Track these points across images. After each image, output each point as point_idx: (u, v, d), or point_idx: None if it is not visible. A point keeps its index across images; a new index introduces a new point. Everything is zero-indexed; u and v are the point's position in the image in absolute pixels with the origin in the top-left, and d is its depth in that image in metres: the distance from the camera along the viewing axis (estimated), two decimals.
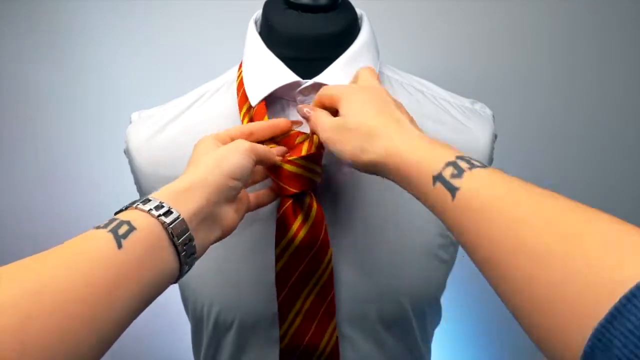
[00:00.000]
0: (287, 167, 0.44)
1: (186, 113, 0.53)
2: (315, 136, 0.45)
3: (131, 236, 0.31)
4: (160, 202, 0.34)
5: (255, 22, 0.52)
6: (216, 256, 0.49)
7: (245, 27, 0.51)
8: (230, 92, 0.52)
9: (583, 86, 0.91)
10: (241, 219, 0.42)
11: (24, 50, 1.03)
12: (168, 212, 0.33)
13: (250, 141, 0.42)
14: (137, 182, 0.53)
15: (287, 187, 0.44)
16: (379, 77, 0.51)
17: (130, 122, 0.55)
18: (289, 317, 0.47)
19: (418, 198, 0.35)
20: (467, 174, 0.31)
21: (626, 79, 0.90)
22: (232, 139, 0.43)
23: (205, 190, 0.37)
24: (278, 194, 0.46)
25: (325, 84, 0.46)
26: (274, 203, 0.47)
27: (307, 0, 0.47)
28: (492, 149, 0.52)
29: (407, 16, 0.91)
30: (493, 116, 0.55)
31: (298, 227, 0.45)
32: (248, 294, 0.48)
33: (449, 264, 0.52)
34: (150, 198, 0.34)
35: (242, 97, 0.48)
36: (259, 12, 0.52)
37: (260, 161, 0.42)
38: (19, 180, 1.14)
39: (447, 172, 0.31)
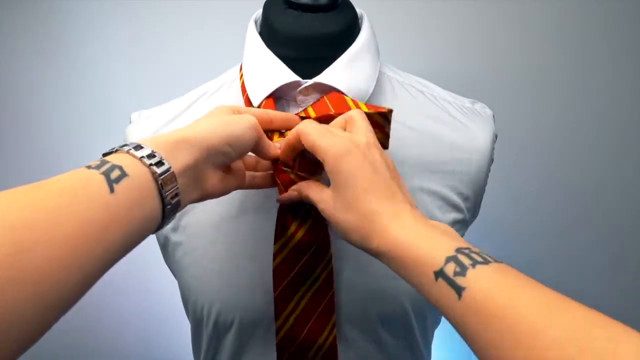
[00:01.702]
0: (289, 175, 0.44)
1: (186, 113, 0.53)
2: None
3: (123, 182, 0.30)
4: (152, 150, 0.33)
5: (256, 22, 0.52)
6: (217, 257, 0.49)
7: (245, 27, 0.51)
8: (230, 92, 0.52)
9: (584, 86, 0.91)
10: (226, 192, 0.41)
11: (23, 50, 1.03)
12: (160, 163, 0.33)
13: (263, 128, 0.41)
14: None
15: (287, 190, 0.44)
16: (380, 76, 0.51)
17: (130, 122, 0.55)
18: (284, 313, 0.47)
19: (420, 291, 0.34)
20: (471, 273, 0.30)
21: (627, 78, 0.90)
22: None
23: (198, 148, 0.36)
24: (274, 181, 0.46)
25: (325, 84, 0.46)
26: (276, 204, 0.47)
27: (307, 0, 0.47)
28: (492, 148, 0.52)
29: (408, 16, 0.91)
30: (493, 116, 0.55)
31: (297, 227, 0.45)
32: (248, 294, 0.48)
33: None
34: (143, 145, 0.33)
35: (249, 99, 0.48)
36: (259, 12, 0.52)
37: (260, 147, 0.41)
38: (18, 181, 1.14)
39: (450, 269, 0.31)
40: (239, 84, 0.51)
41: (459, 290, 0.30)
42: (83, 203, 0.28)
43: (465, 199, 0.51)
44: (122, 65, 1.02)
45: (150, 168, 0.32)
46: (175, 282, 0.54)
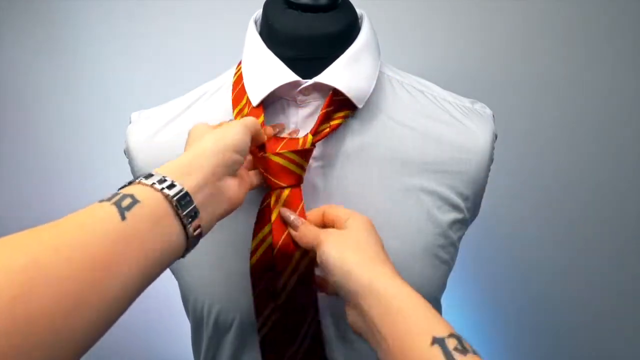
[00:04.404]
0: (276, 159, 0.44)
1: (186, 113, 0.53)
2: (309, 135, 0.45)
3: (135, 208, 0.30)
4: (162, 176, 0.33)
5: (255, 22, 0.52)
6: (217, 256, 0.49)
7: (245, 27, 0.51)
8: (230, 92, 0.52)
9: (584, 86, 0.91)
10: (244, 195, 0.42)
11: (23, 50, 1.03)
12: (171, 185, 0.33)
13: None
14: None
15: (275, 180, 0.44)
16: (381, 76, 0.51)
17: (130, 122, 0.55)
18: (265, 312, 0.47)
19: (395, 343, 0.33)
20: (470, 356, 0.31)
21: (628, 77, 0.90)
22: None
23: (208, 164, 0.36)
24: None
25: (325, 84, 0.46)
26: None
27: (307, 0, 0.47)
28: (492, 148, 0.52)
29: (408, 16, 0.91)
30: (493, 116, 0.55)
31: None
32: (248, 294, 0.48)
33: (449, 264, 0.52)
34: (153, 173, 0.34)
35: (237, 96, 0.49)
36: (259, 12, 0.52)
37: (254, 138, 0.42)
38: (18, 181, 1.14)
39: (451, 343, 0.31)
40: (232, 82, 0.51)
41: None
42: (91, 235, 0.27)
43: (465, 198, 0.51)
44: (122, 65, 1.02)
45: (162, 192, 0.32)
46: (175, 282, 0.54)
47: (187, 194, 0.33)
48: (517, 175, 0.97)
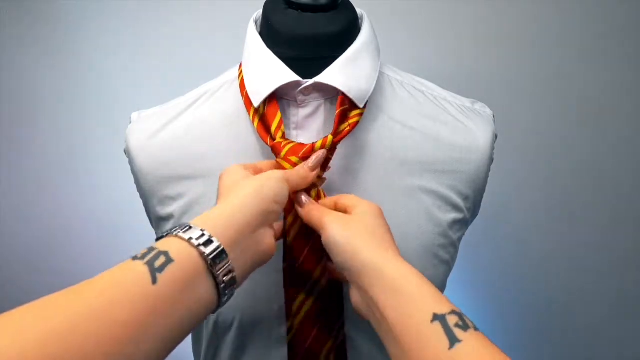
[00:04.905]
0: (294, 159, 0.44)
1: (186, 113, 0.53)
2: (329, 136, 0.45)
3: (167, 269, 0.30)
4: (201, 230, 0.33)
5: (256, 22, 0.52)
6: None
7: (245, 27, 0.51)
8: (230, 91, 0.52)
9: (584, 86, 0.91)
10: (276, 243, 0.42)
11: (23, 51, 1.03)
12: (208, 242, 0.32)
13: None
14: (137, 182, 0.53)
15: None
16: (381, 76, 0.51)
17: (130, 122, 0.55)
18: (293, 309, 0.47)
19: (396, 318, 0.34)
20: (471, 332, 0.31)
21: (628, 77, 0.90)
22: (261, 171, 0.43)
23: (247, 216, 0.36)
24: None
25: (325, 84, 0.46)
26: None
27: (307, 0, 0.47)
28: (493, 148, 0.52)
29: (408, 16, 0.91)
30: (493, 116, 0.55)
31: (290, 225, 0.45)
32: (248, 294, 0.48)
33: (449, 264, 0.52)
34: (192, 225, 0.33)
35: (248, 97, 0.48)
36: (259, 12, 0.52)
37: (292, 189, 0.42)
38: (18, 181, 1.14)
39: (452, 320, 0.31)
40: (238, 84, 0.51)
41: (453, 340, 0.30)
42: (119, 303, 0.27)
43: (465, 198, 0.51)
44: (122, 65, 1.02)
45: (198, 249, 0.32)
46: None
47: (223, 251, 0.33)
48: (517, 175, 0.97)
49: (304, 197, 0.44)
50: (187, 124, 0.52)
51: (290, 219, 0.45)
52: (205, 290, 0.32)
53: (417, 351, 0.31)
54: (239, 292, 0.48)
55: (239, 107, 0.50)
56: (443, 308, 0.32)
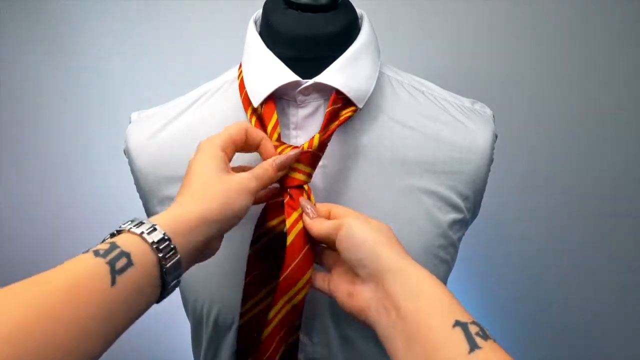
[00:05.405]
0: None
1: (186, 113, 0.53)
2: (316, 135, 0.45)
3: (127, 273, 0.31)
4: (165, 236, 0.33)
5: (255, 22, 0.52)
6: (217, 257, 0.49)
7: (245, 27, 0.51)
8: (230, 91, 0.52)
9: (584, 86, 0.91)
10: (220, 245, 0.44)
11: (25, 51, 1.03)
12: (169, 251, 0.33)
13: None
14: (137, 182, 0.53)
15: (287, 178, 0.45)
16: (381, 76, 0.51)
17: (130, 122, 0.55)
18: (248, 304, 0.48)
19: (414, 320, 0.34)
20: (490, 342, 0.31)
21: (628, 77, 0.90)
22: (234, 144, 0.43)
23: (210, 229, 0.37)
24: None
25: (325, 84, 0.46)
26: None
27: (307, 0, 0.47)
28: (492, 148, 0.52)
29: (408, 16, 0.91)
30: (493, 116, 0.55)
31: (279, 221, 0.46)
32: None
33: (449, 265, 0.52)
34: (157, 228, 0.34)
35: (247, 97, 0.48)
36: (259, 12, 0.52)
37: (259, 189, 0.43)
38: (18, 180, 1.14)
39: (473, 328, 0.32)
40: (238, 84, 0.51)
41: (473, 346, 0.31)
42: (74, 302, 0.28)
43: (465, 198, 0.51)
44: (122, 65, 1.02)
45: (158, 256, 0.33)
46: None
47: (180, 262, 0.34)
48: (517, 175, 0.97)
49: (310, 208, 0.44)
50: (187, 124, 0.52)
51: (290, 222, 0.45)
52: (154, 292, 0.34)
53: (435, 351, 0.32)
54: (239, 292, 0.49)
55: (238, 107, 0.50)
56: (465, 317, 0.33)
